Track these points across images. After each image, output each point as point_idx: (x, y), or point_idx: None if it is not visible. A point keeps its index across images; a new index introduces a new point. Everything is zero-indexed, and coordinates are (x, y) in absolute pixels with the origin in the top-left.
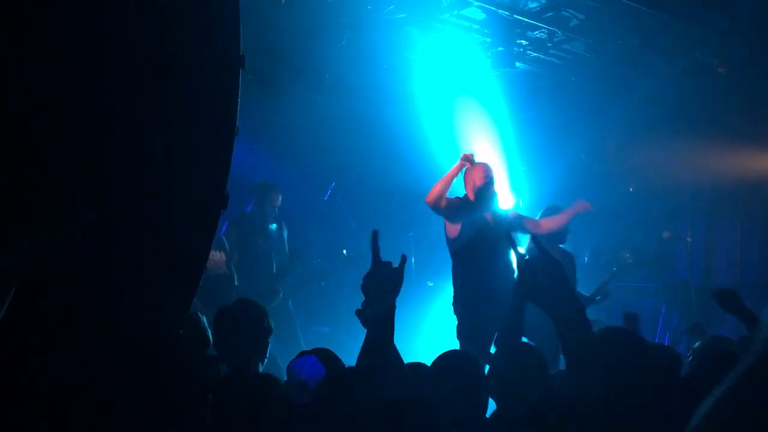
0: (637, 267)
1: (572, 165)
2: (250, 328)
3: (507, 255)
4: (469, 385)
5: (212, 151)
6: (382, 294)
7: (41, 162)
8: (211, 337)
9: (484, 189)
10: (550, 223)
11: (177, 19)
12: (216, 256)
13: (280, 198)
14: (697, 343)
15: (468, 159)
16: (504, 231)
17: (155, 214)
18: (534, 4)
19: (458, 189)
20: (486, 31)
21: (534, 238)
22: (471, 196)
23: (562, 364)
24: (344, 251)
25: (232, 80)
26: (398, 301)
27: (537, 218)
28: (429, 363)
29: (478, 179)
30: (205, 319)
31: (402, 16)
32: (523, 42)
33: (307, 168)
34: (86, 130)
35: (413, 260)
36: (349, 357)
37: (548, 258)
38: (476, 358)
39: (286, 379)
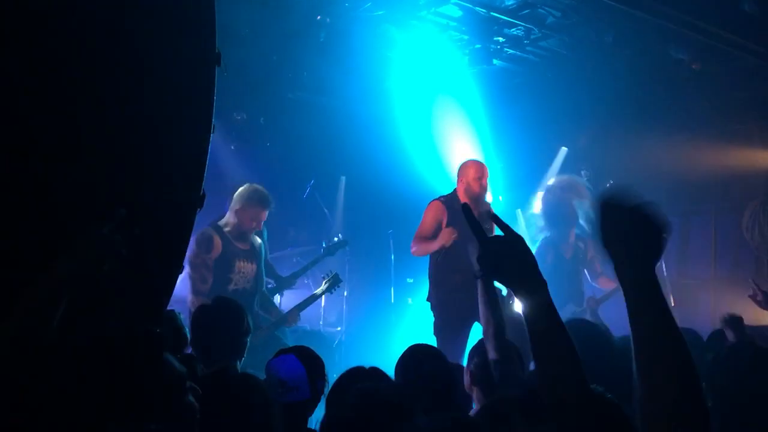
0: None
1: (548, 161)
2: (230, 328)
3: None
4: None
5: (188, 149)
6: (522, 270)
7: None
8: (188, 336)
9: (477, 187)
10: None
11: (152, 15)
12: None
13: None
14: None
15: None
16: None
17: (129, 212)
18: (510, 2)
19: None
20: (463, 28)
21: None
22: (462, 195)
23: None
24: (324, 243)
25: (207, 77)
26: (377, 298)
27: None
28: None
29: (471, 178)
30: (182, 317)
31: (380, 13)
32: (500, 39)
33: (285, 165)
34: (62, 129)
35: (392, 257)
36: (329, 354)
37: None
38: (440, 352)
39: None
